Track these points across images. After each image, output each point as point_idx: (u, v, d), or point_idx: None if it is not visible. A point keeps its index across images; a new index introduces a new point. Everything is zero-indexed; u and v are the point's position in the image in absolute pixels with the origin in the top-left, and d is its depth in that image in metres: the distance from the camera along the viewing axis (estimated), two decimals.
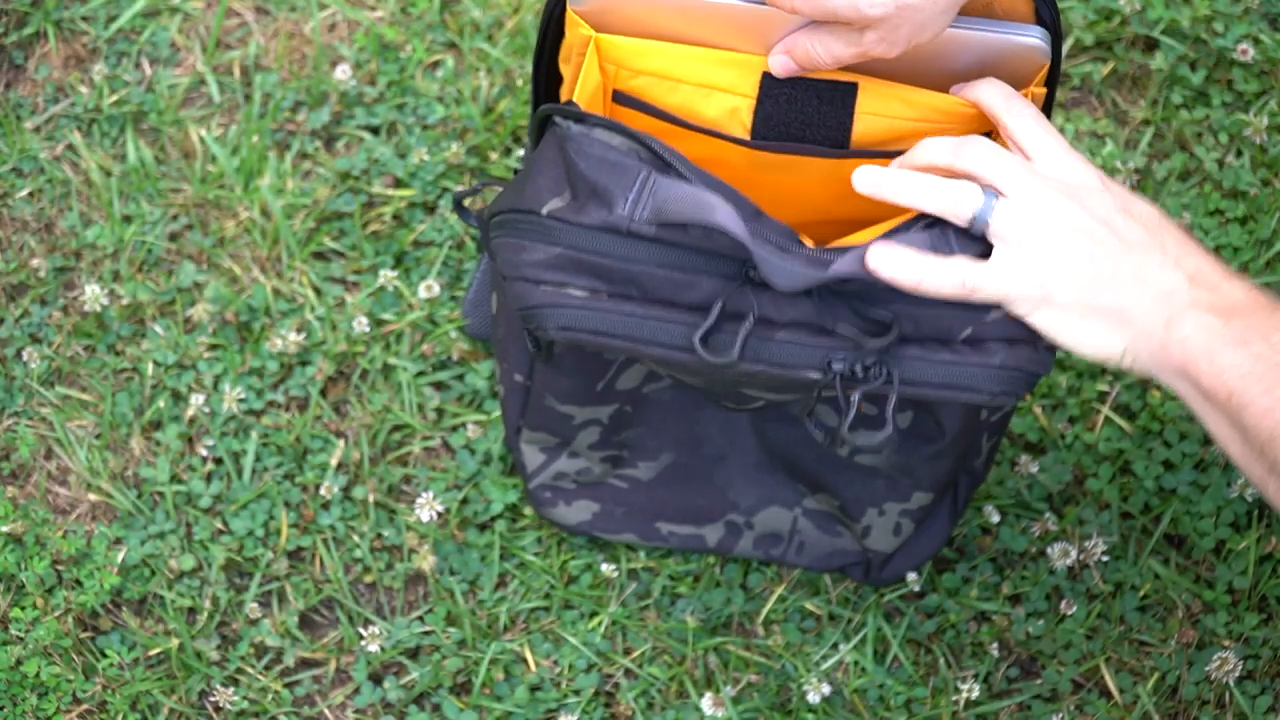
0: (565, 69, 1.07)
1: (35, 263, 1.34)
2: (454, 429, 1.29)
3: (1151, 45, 1.43)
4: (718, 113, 1.03)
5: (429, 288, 1.33)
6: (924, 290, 0.94)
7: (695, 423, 1.15)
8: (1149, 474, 1.26)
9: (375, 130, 1.40)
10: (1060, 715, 1.21)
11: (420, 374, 1.31)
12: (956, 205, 0.95)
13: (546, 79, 1.09)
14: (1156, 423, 1.28)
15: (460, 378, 1.31)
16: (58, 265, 1.34)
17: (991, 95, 0.99)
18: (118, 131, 1.39)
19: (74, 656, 1.21)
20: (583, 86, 1.00)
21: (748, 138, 1.04)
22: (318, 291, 1.34)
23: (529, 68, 1.41)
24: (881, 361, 0.95)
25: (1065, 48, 1.42)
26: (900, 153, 1.01)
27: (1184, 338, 0.91)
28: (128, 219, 1.36)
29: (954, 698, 1.21)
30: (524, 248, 0.96)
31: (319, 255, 1.36)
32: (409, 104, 1.40)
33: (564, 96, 1.07)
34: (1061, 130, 1.40)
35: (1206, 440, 1.27)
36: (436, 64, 1.42)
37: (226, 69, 1.42)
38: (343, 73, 1.40)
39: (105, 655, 1.21)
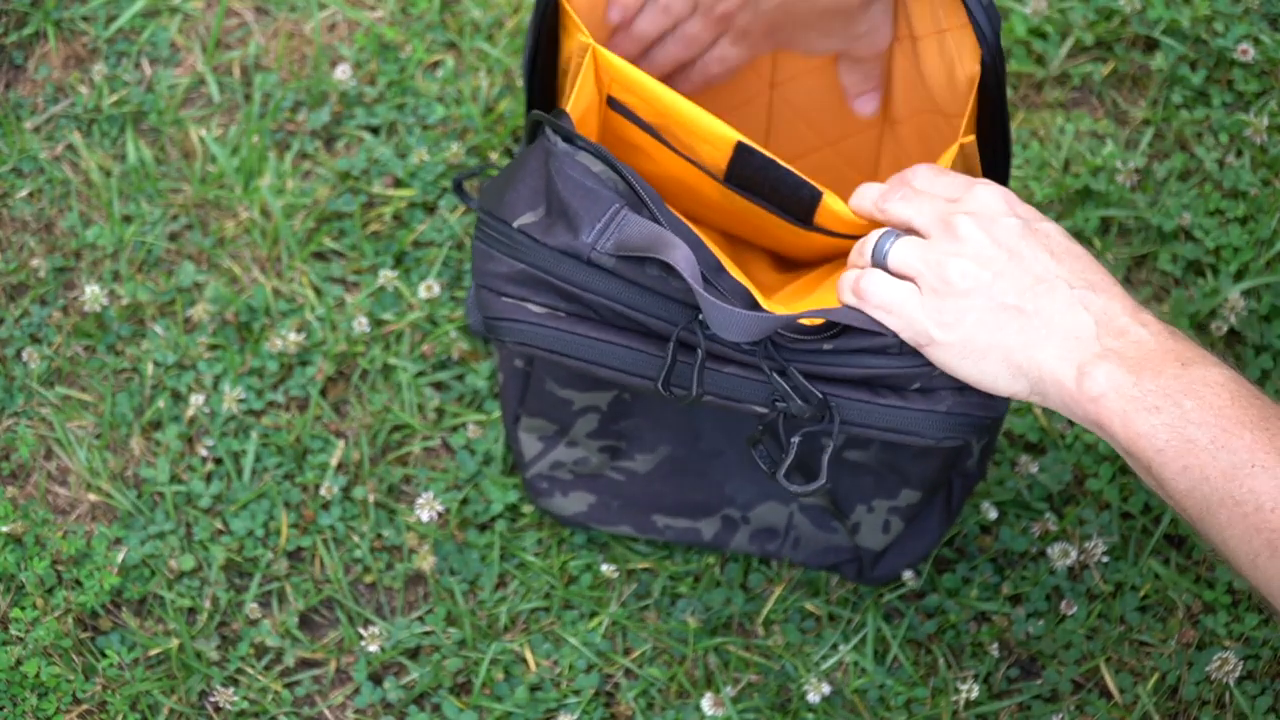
0: (563, 74, 1.08)
1: (35, 263, 1.34)
2: (454, 429, 1.29)
3: (1151, 45, 1.43)
4: (698, 145, 1.05)
5: (429, 288, 1.33)
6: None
7: (693, 416, 1.16)
8: None
9: (375, 130, 1.40)
10: (1060, 715, 1.21)
11: (420, 374, 1.31)
12: (860, 255, 0.98)
13: (542, 74, 1.10)
14: None
15: (460, 378, 1.31)
16: (58, 265, 1.34)
17: (864, 199, 1.01)
18: (118, 131, 1.39)
19: (74, 656, 1.21)
20: (578, 98, 1.02)
21: (720, 178, 1.06)
22: (318, 291, 1.34)
23: None
24: (825, 404, 0.97)
25: (1065, 47, 1.42)
26: (860, 238, 1.04)
27: (1097, 396, 0.89)
28: (128, 219, 1.36)
29: (954, 698, 1.21)
30: (491, 257, 0.98)
31: (319, 255, 1.36)
32: (409, 104, 1.40)
33: (562, 101, 1.07)
34: (1061, 131, 1.40)
35: None
36: (436, 64, 1.42)
37: (226, 69, 1.42)
38: (343, 73, 1.40)
39: (105, 655, 1.21)
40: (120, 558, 1.24)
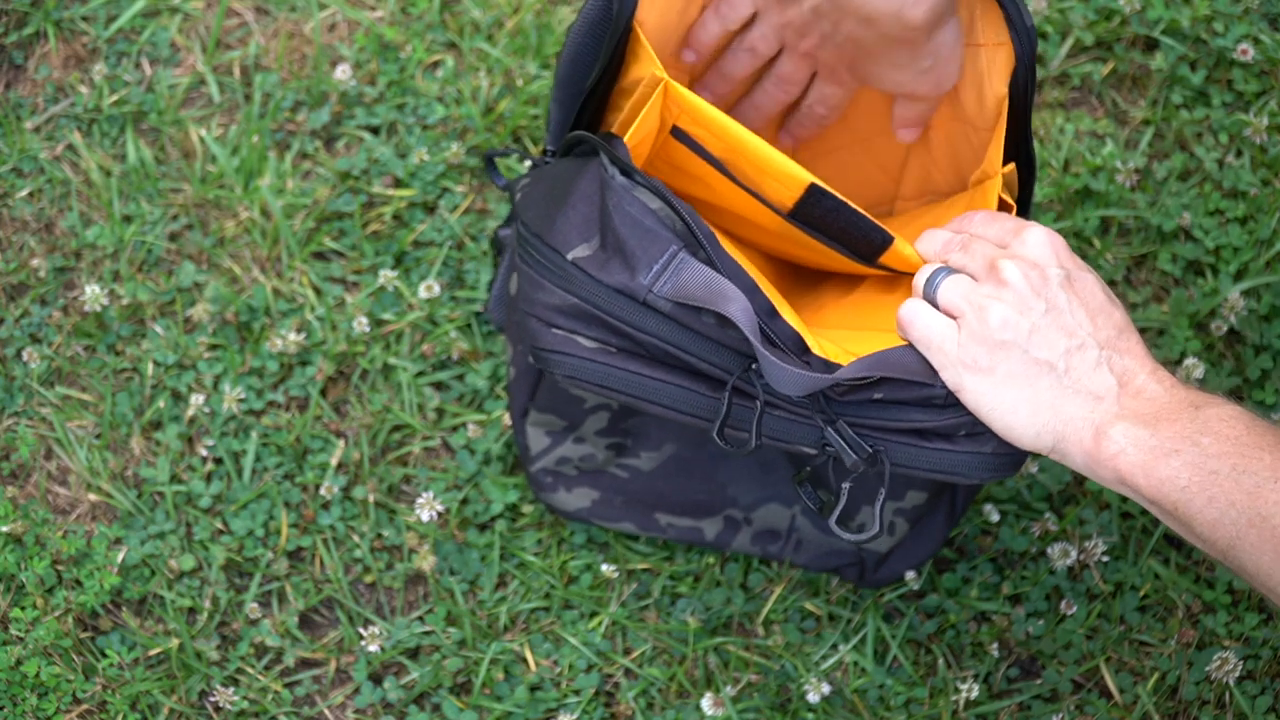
0: (620, 94, 1.06)
1: (35, 263, 1.34)
2: (454, 429, 1.30)
3: (1151, 45, 1.43)
4: (765, 181, 1.04)
5: (429, 288, 1.33)
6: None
7: None
8: None
9: (375, 130, 1.40)
10: (1060, 715, 1.21)
11: (420, 374, 1.31)
12: (917, 285, 0.99)
13: (599, 95, 1.08)
14: None
15: (460, 378, 1.31)
16: (58, 265, 1.34)
17: (928, 247, 1.02)
18: (118, 131, 1.39)
19: (74, 656, 1.21)
20: (640, 127, 1.00)
21: (785, 213, 1.05)
22: (318, 291, 1.34)
23: (529, 67, 1.41)
24: (874, 449, 0.97)
25: (1065, 47, 1.42)
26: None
27: (1116, 453, 0.91)
28: (128, 219, 1.36)
29: (954, 698, 1.21)
30: (542, 287, 0.97)
31: (319, 255, 1.36)
32: (409, 104, 1.40)
33: (616, 125, 1.07)
34: (1061, 131, 1.40)
35: None
36: (436, 64, 1.42)
37: (226, 69, 1.42)
38: (343, 73, 1.40)
39: (105, 655, 1.21)
40: (120, 558, 1.24)
